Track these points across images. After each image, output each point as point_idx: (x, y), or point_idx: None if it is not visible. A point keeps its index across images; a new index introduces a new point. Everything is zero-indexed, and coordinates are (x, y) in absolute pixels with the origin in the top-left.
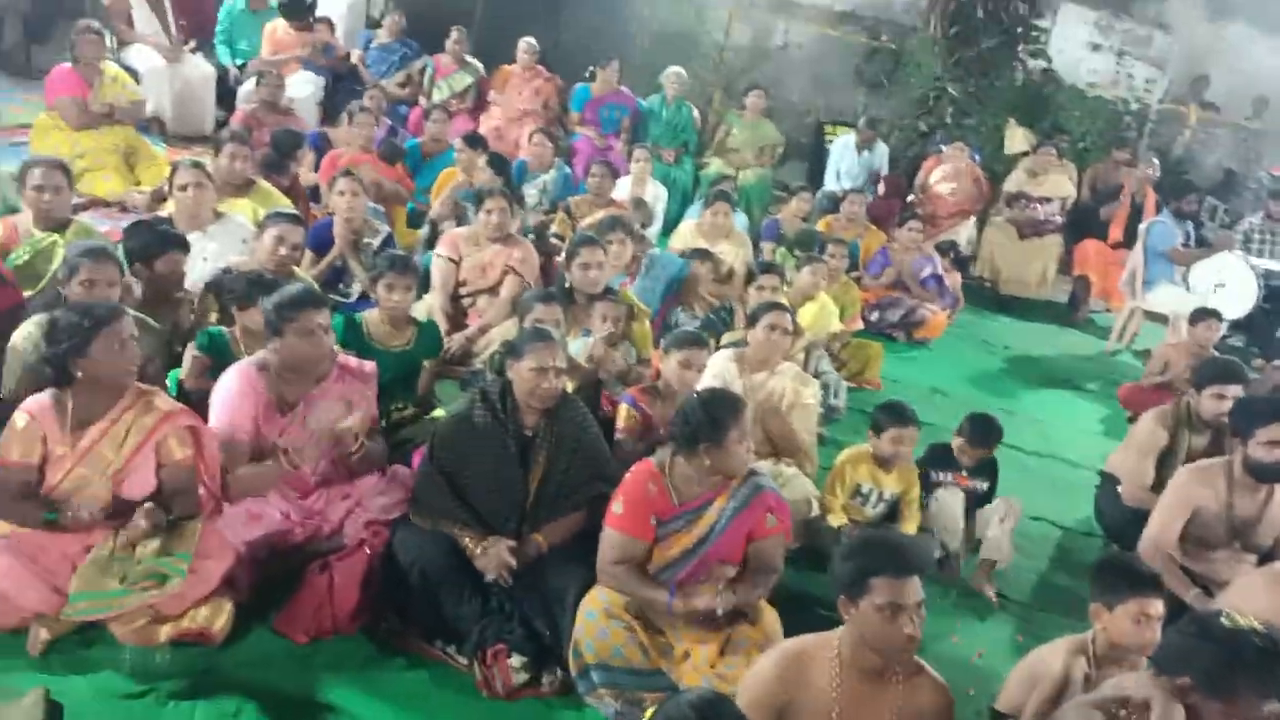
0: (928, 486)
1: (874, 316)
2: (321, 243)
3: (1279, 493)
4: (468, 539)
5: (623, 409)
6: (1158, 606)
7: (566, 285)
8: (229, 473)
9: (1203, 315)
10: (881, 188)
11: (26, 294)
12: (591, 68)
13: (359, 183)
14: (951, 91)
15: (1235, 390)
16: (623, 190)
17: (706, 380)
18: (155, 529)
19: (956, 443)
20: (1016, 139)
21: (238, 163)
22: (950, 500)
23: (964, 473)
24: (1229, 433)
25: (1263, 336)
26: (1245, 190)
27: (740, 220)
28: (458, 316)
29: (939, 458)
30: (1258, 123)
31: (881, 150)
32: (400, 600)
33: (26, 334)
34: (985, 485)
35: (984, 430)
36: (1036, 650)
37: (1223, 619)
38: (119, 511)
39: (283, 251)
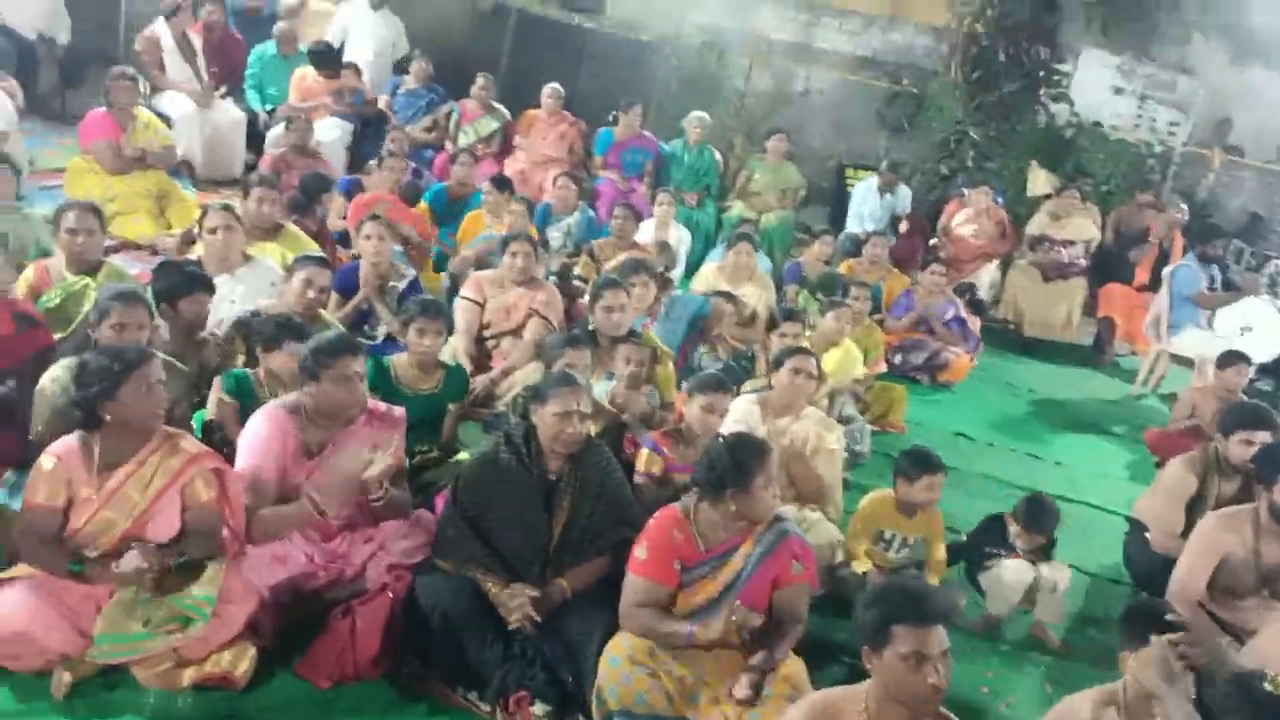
0: (980, 557)
1: (897, 359)
2: (348, 286)
3: None
4: (490, 584)
5: (644, 453)
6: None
7: (590, 328)
8: (254, 515)
9: (1230, 359)
10: (904, 226)
11: (57, 336)
12: (614, 112)
13: (386, 227)
14: (973, 135)
15: (1264, 436)
16: (646, 233)
17: (730, 425)
18: (153, 569)
19: (1012, 528)
20: (1039, 182)
21: (266, 206)
22: (1018, 576)
23: (1018, 552)
24: (1255, 479)
25: None
26: (1271, 233)
27: (763, 263)
28: (481, 359)
29: (993, 535)
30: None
31: (904, 193)
32: (422, 645)
33: (54, 377)
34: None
35: (1039, 515)
36: (1066, 700)
37: (1265, 683)
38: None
39: (311, 294)
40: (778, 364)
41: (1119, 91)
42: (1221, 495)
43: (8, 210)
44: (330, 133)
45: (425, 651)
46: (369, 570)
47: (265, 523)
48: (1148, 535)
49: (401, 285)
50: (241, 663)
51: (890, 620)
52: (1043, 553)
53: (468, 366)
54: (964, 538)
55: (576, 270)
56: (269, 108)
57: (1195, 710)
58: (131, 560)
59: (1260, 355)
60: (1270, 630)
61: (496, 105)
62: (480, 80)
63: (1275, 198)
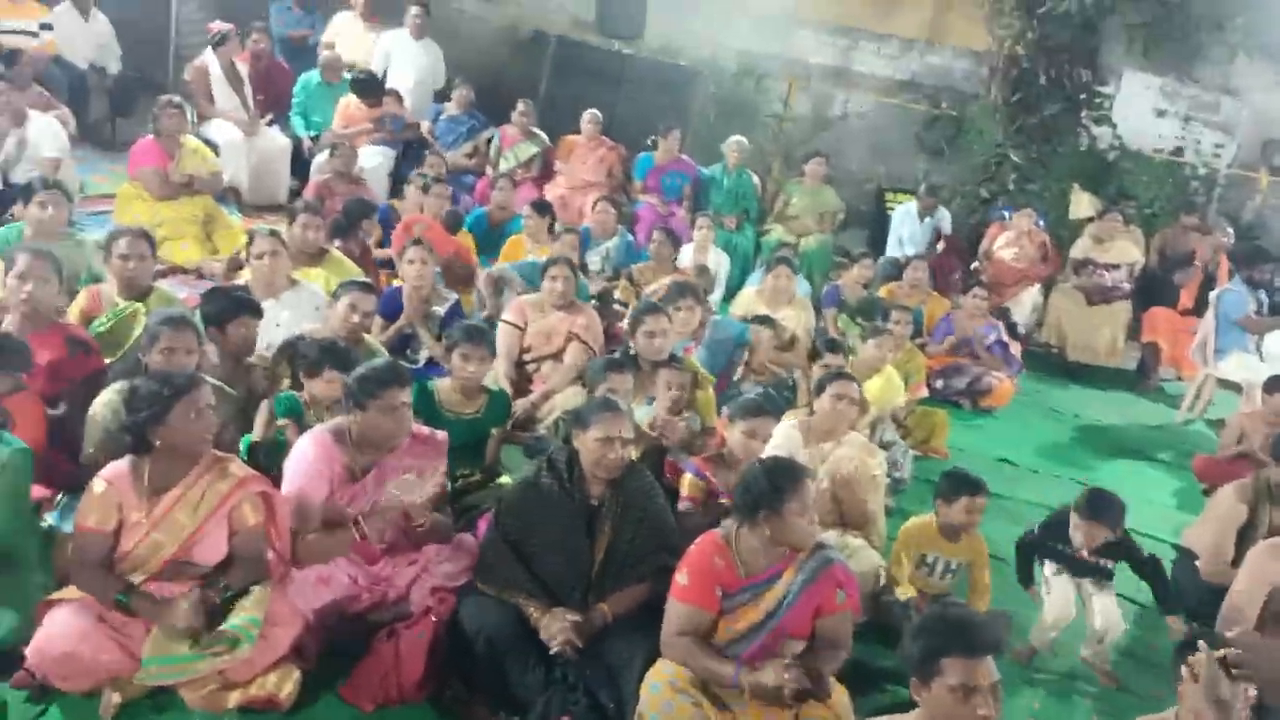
0: (1041, 554)
1: (938, 384)
2: (391, 310)
3: None
4: (533, 608)
5: (687, 478)
6: (1248, 690)
7: (630, 353)
8: (299, 538)
9: (1279, 384)
10: (940, 245)
11: (108, 360)
12: (653, 137)
13: (428, 251)
14: (1014, 158)
15: None
16: (685, 257)
17: (771, 449)
18: (200, 623)
19: (1073, 520)
20: (1082, 205)
21: (311, 232)
22: (1057, 616)
23: (1081, 551)
24: None
25: None
26: None
27: (802, 287)
28: (521, 382)
29: (1059, 532)
30: None
31: (944, 216)
32: (465, 669)
33: (106, 401)
34: (1111, 565)
35: (1101, 506)
36: None
37: None
38: (181, 574)
39: (355, 319)
40: (820, 389)
41: (1162, 114)
42: (1273, 523)
43: (60, 236)
44: (373, 159)
45: (468, 675)
46: (413, 593)
47: (312, 549)
48: (1197, 564)
49: (444, 309)
50: (286, 685)
51: (939, 652)
52: (1114, 557)
53: (508, 390)
54: (1008, 563)
55: (616, 294)
56: (313, 134)
57: None
58: (180, 616)
59: None
60: None
61: (536, 131)
62: (520, 106)
63: None
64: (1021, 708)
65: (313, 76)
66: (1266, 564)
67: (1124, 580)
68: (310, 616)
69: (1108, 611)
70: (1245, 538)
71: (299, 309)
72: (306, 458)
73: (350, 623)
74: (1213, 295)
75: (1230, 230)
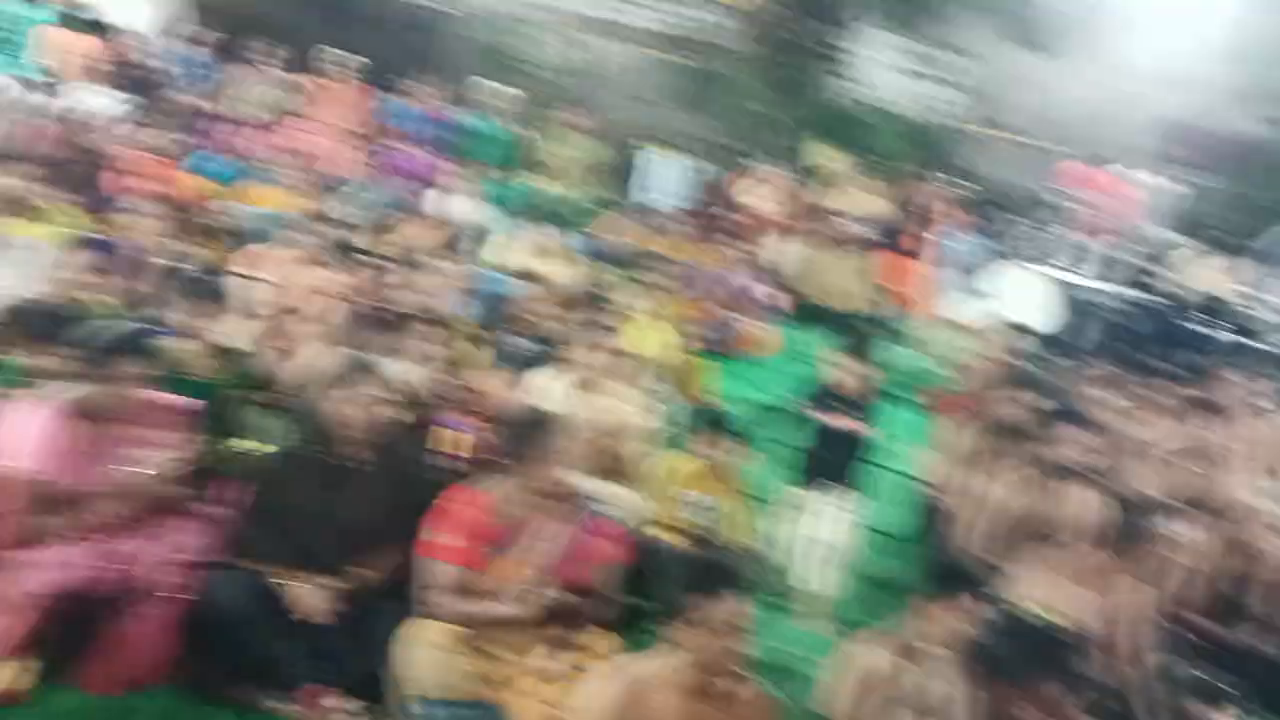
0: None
1: (701, 333)
2: (121, 265)
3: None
4: (284, 578)
5: (451, 434)
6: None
7: (388, 308)
8: (16, 518)
9: (1005, 327)
10: (696, 196)
11: None
12: (407, 82)
13: (163, 206)
14: (763, 111)
15: (1030, 397)
16: (442, 207)
17: (535, 402)
18: None
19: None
20: (825, 157)
21: (29, 182)
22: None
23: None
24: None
25: (1066, 346)
26: (1043, 208)
27: (563, 238)
28: (270, 341)
29: (824, 396)
30: (1049, 142)
31: (698, 167)
32: (216, 645)
33: None
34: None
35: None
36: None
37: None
38: None
39: (90, 279)
40: (583, 341)
41: (898, 70)
42: (998, 453)
43: None
44: (102, 101)
45: (220, 652)
46: (155, 570)
47: (33, 528)
48: (934, 494)
49: (182, 264)
50: (21, 677)
51: (695, 590)
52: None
53: (256, 349)
54: (766, 502)
55: (369, 245)
56: (31, 76)
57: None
58: None
59: (1035, 322)
60: (1031, 573)
61: (283, 73)
62: (266, 48)
63: (1045, 174)
64: (775, 635)
65: (22, 8)
66: (995, 492)
67: (883, 516)
68: (42, 602)
69: (832, 521)
70: (975, 467)
71: (20, 267)
72: (30, 431)
73: (89, 604)
74: (943, 242)
75: (961, 182)
